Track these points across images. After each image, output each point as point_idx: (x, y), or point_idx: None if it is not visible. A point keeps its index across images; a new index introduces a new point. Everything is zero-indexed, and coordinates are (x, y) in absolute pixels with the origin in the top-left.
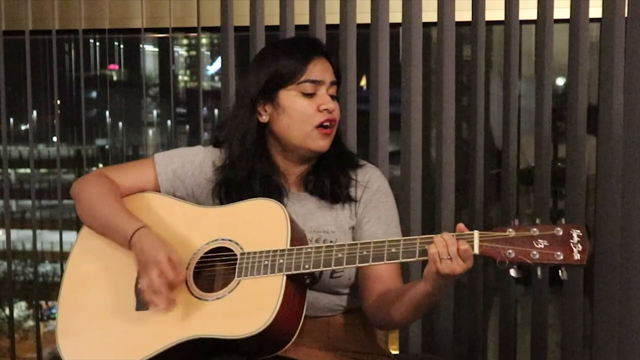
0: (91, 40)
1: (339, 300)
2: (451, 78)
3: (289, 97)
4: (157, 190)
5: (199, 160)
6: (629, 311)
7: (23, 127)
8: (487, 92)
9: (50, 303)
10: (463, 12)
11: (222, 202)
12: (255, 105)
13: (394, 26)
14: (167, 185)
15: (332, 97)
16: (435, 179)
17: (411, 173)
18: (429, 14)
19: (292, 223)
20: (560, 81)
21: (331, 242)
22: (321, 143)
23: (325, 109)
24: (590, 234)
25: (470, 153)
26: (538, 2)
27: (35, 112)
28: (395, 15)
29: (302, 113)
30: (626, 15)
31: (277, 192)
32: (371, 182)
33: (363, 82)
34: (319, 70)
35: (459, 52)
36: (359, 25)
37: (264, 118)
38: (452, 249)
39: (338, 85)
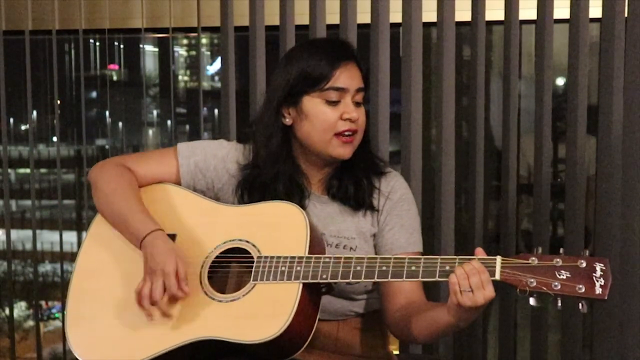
0: (91, 40)
1: (352, 305)
2: (451, 78)
3: (313, 103)
4: (176, 181)
5: (222, 155)
6: (629, 311)
7: (23, 127)
8: (487, 92)
9: (50, 303)
10: (463, 12)
11: (242, 201)
12: (280, 108)
13: (394, 26)
14: (188, 178)
15: (357, 103)
16: (435, 179)
17: (411, 173)
18: (429, 14)
19: (312, 229)
20: (560, 81)
21: (351, 248)
22: (341, 151)
23: (348, 119)
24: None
25: (470, 153)
26: (538, 2)
27: (35, 112)
28: (395, 15)
29: (324, 121)
30: (626, 15)
31: (299, 194)
32: (394, 190)
33: None
34: (345, 77)
35: (459, 52)
36: (359, 25)
37: (288, 121)
38: (473, 280)
39: (366, 91)
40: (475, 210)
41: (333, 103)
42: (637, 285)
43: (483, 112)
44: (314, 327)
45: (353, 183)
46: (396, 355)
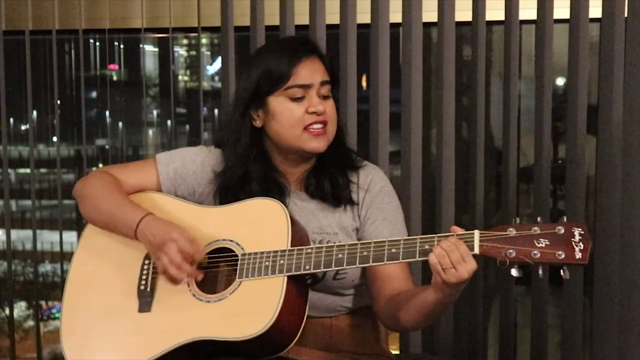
0: (91, 40)
1: (342, 301)
2: (451, 78)
3: (278, 102)
4: (158, 189)
5: (200, 159)
6: (629, 311)
7: (23, 127)
8: (487, 92)
9: (50, 303)
10: (463, 12)
11: (222, 204)
12: (247, 112)
13: (394, 26)
14: (169, 184)
15: (324, 97)
16: (436, 178)
17: (411, 173)
18: (429, 14)
19: (293, 222)
20: (560, 81)
21: (334, 243)
22: (315, 144)
23: (314, 112)
24: (590, 232)
25: (470, 153)
26: (538, 2)
27: (35, 112)
28: (395, 15)
29: (291, 117)
30: (626, 15)
31: (278, 192)
32: (373, 183)
33: (363, 82)
34: (307, 72)
35: (459, 52)
36: (359, 25)
37: (258, 123)
38: (453, 257)
39: (333, 84)
40: (476, 210)
41: (298, 99)
42: (637, 285)
43: (483, 112)
44: (304, 321)
45: (329, 180)
46: (396, 355)
